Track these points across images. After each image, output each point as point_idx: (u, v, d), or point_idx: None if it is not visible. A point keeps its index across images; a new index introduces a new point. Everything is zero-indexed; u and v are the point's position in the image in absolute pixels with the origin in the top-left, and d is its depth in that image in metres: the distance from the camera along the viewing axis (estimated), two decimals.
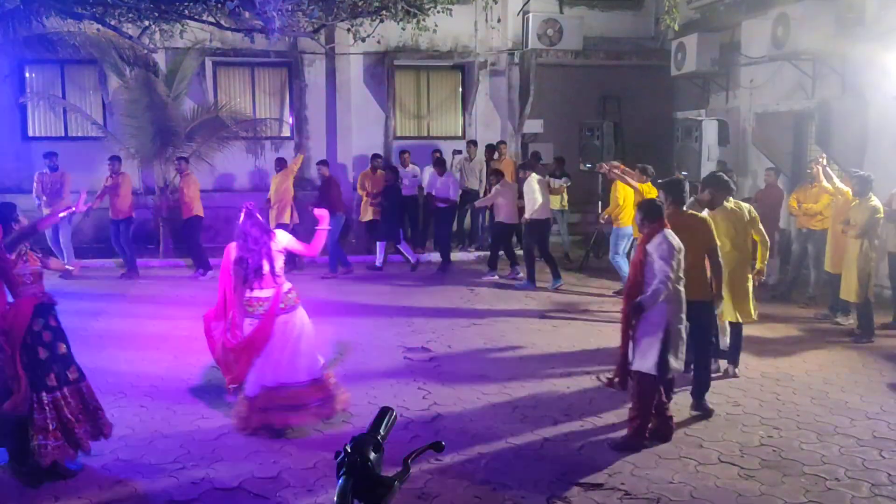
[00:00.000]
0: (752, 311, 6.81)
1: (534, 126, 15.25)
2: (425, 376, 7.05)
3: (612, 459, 5.27)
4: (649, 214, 5.50)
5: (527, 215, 10.95)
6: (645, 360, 5.37)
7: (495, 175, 11.56)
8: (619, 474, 5.04)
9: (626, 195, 9.99)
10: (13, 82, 13.78)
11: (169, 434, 5.67)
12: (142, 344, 7.97)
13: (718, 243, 6.15)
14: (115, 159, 11.67)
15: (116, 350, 7.72)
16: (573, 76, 15.42)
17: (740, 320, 6.82)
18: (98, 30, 11.61)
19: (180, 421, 5.94)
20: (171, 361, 7.40)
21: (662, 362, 5.32)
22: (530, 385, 6.86)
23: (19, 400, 4.76)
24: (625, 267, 9.61)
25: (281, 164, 12.12)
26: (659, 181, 7.42)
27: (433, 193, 12.67)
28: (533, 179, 10.89)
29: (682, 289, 5.47)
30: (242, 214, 5.63)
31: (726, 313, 6.72)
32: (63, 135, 14.24)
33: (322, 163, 12.36)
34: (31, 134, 14.21)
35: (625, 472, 5.09)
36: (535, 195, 10.80)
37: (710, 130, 11.08)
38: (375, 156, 13.28)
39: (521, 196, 11.11)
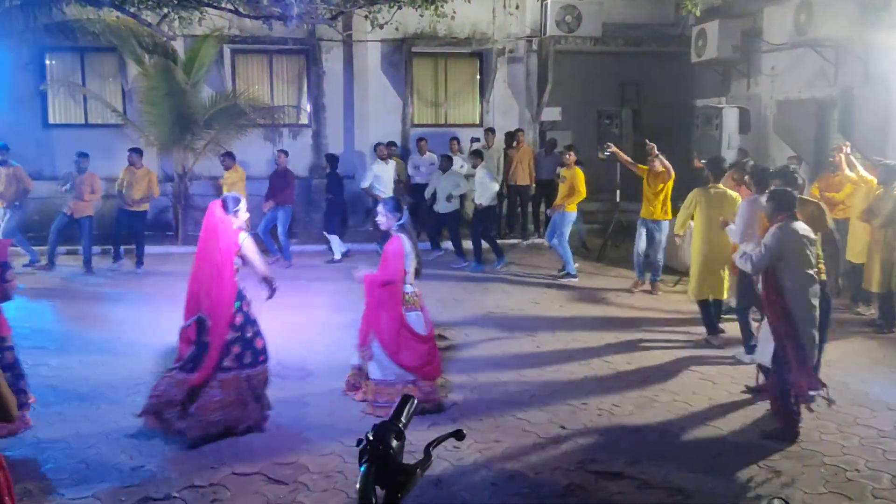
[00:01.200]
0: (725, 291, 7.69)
1: (552, 114, 15.18)
2: (444, 364, 7.04)
3: (631, 449, 5.26)
4: (780, 204, 5.57)
5: (477, 201, 11.69)
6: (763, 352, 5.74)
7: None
8: (638, 464, 5.03)
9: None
10: (34, 70, 13.88)
11: None
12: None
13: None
14: (135, 151, 11.70)
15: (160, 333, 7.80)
16: (592, 63, 15.30)
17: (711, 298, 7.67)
18: (118, 17, 11.65)
19: None
20: None
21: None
22: (548, 374, 6.87)
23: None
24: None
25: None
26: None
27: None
28: (481, 170, 11.57)
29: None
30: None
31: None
32: (83, 122, 14.34)
33: (282, 151, 12.34)
34: (51, 121, 14.31)
35: (643, 461, 5.08)
36: (487, 183, 11.51)
37: (730, 118, 10.98)
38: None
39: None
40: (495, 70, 15.00)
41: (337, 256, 12.20)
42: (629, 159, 10.45)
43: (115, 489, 4.64)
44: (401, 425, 1.82)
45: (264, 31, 11.70)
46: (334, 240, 12.26)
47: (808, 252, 5.42)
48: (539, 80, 15.01)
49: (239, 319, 5.43)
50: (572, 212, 10.85)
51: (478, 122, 15.37)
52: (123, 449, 5.15)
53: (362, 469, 1.73)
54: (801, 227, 5.50)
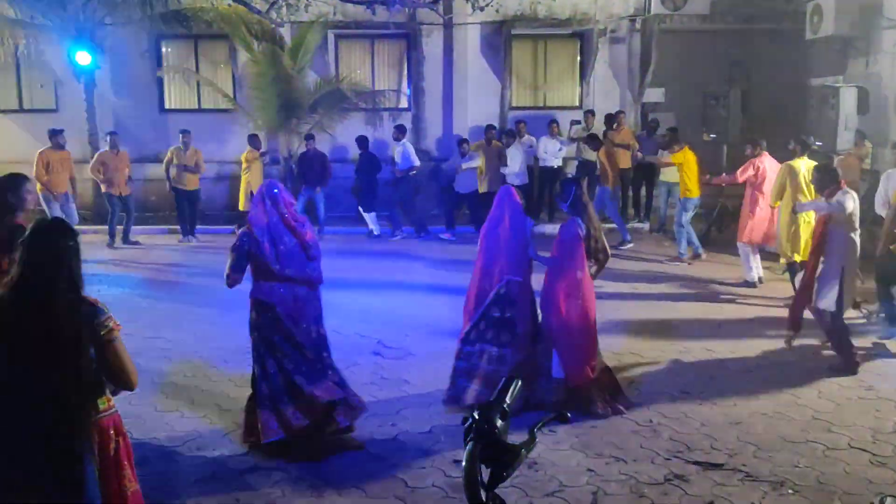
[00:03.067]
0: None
1: (654, 95, 14.80)
2: None
3: (733, 439, 5.13)
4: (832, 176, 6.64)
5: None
6: (827, 300, 6.39)
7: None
8: (741, 455, 4.91)
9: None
10: (150, 57, 14.60)
11: None
12: None
13: None
14: (254, 137, 12.21)
15: None
16: (698, 42, 14.80)
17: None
18: (229, 5, 12.13)
19: None
20: None
21: (840, 300, 6.35)
22: (647, 360, 6.76)
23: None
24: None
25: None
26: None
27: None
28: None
29: (857, 238, 6.49)
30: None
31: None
32: (196, 107, 15.00)
33: (310, 136, 12.60)
34: (166, 106, 15.04)
35: (746, 453, 4.94)
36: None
37: (847, 98, 10.41)
38: (489, 127, 13.26)
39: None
40: (596, 51, 14.73)
41: (376, 232, 12.74)
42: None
43: (226, 457, 4.89)
44: (505, 405, 1.85)
45: (367, 16, 11.91)
46: (371, 217, 12.66)
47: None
48: (642, 60, 14.65)
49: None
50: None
51: (577, 104, 15.16)
52: (234, 419, 5.40)
53: (468, 447, 1.77)
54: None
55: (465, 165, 12.62)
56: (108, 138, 11.90)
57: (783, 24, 14.18)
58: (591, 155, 13.42)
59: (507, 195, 5.75)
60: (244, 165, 12.34)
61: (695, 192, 10.65)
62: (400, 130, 12.93)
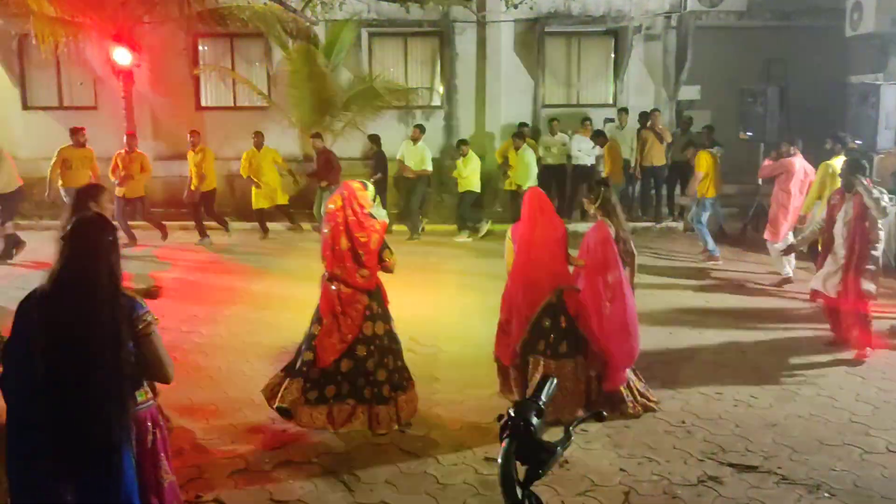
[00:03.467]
0: None
1: (690, 92, 14.64)
2: None
3: (769, 442, 5.06)
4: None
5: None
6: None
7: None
8: (776, 457, 4.84)
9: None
10: (188, 55, 14.79)
11: None
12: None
13: None
14: (318, 136, 12.41)
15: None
16: (735, 39, 14.60)
17: None
18: (265, 3, 12.25)
19: None
20: None
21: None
22: (679, 361, 6.69)
23: None
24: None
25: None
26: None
27: None
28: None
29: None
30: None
31: None
32: (232, 105, 15.17)
33: (317, 135, 12.47)
34: (203, 104, 15.23)
35: (782, 455, 4.88)
36: None
37: (889, 96, 10.18)
38: (521, 125, 13.23)
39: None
40: (631, 48, 14.61)
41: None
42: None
43: (259, 451, 4.95)
44: (541, 403, 1.85)
45: (401, 13, 11.94)
46: (382, 213, 12.53)
47: None
48: (677, 57, 14.51)
49: None
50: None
51: (611, 101, 15.06)
52: (268, 414, 5.46)
53: (503, 444, 1.78)
54: None
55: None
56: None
57: (822, 20, 13.93)
58: (624, 152, 13.35)
59: (536, 197, 5.67)
60: None
61: (711, 192, 10.62)
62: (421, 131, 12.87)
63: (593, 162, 13.52)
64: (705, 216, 10.74)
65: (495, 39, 14.68)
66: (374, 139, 12.74)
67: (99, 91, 14.82)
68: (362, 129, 13.56)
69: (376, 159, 12.70)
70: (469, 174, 12.42)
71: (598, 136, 12.59)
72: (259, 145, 12.28)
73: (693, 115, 13.71)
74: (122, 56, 12.69)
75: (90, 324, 2.84)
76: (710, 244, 10.65)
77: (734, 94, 12.79)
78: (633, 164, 13.36)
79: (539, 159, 13.48)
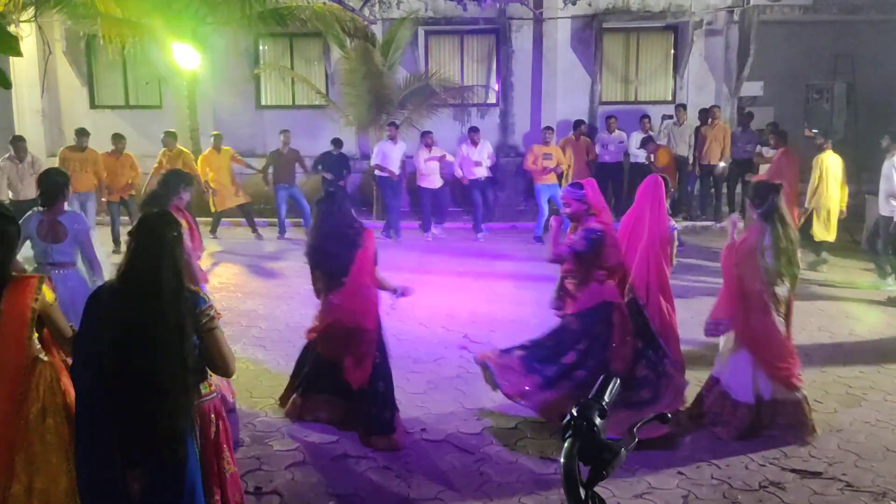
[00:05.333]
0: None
1: (752, 89, 14.30)
2: None
3: (833, 448, 4.92)
4: None
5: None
6: None
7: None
8: (841, 464, 4.71)
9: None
10: (248, 55, 15.07)
11: None
12: None
13: None
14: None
15: None
16: (800, 33, 14.21)
17: None
18: (324, 3, 12.38)
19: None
20: None
21: None
22: None
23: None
24: None
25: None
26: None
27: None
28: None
29: None
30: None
31: None
32: (291, 104, 15.40)
33: (285, 131, 12.43)
34: (263, 103, 15.51)
35: (847, 462, 4.74)
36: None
37: None
38: (578, 122, 13.11)
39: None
40: (691, 44, 14.34)
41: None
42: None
43: (316, 444, 5.02)
44: (604, 403, 1.84)
45: (457, 11, 11.94)
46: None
47: None
48: (739, 53, 14.17)
49: None
50: None
51: (670, 98, 14.81)
52: None
53: (566, 444, 1.77)
54: None
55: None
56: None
57: (892, 14, 13.45)
58: (682, 149, 13.12)
59: (654, 185, 5.31)
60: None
61: None
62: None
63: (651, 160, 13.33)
64: None
65: (552, 36, 14.57)
66: (336, 142, 12.62)
67: (164, 90, 15.21)
68: (418, 127, 13.61)
69: (333, 161, 12.58)
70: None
71: (648, 143, 12.29)
72: (218, 147, 12.17)
73: (754, 112, 13.39)
74: (186, 56, 12.98)
75: (155, 318, 2.91)
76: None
77: (799, 90, 12.47)
78: (690, 162, 13.12)
79: (596, 156, 13.37)
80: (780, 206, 5.01)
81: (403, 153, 12.66)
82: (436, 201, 12.44)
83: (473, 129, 12.62)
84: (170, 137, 11.79)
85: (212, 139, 12.34)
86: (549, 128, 12.64)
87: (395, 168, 12.35)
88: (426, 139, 12.28)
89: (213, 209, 12.36)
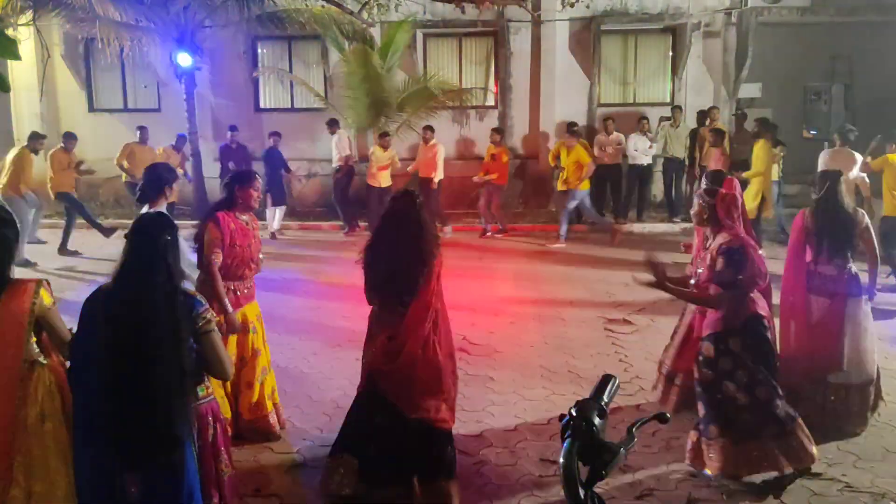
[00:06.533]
0: None
1: (751, 90, 14.33)
2: (627, 349, 6.95)
3: (833, 449, 4.92)
4: None
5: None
6: None
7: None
8: (840, 465, 4.70)
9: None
10: (247, 58, 15.08)
11: None
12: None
13: None
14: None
15: (334, 303, 8.33)
16: (798, 35, 14.24)
17: None
18: (322, 6, 12.39)
19: None
20: None
21: None
22: None
23: None
24: None
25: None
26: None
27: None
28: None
29: None
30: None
31: None
32: (290, 106, 15.41)
33: (233, 128, 12.52)
34: (261, 106, 15.52)
35: (846, 462, 4.74)
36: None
37: None
38: (571, 124, 13.10)
39: None
40: (689, 46, 14.37)
41: (276, 227, 12.77)
42: None
43: (315, 447, 5.01)
44: (603, 403, 1.84)
45: (456, 14, 11.95)
46: (281, 211, 12.80)
47: None
48: (737, 54, 14.20)
49: None
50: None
51: (668, 100, 14.84)
52: (322, 409, 5.55)
53: (565, 445, 1.76)
54: None
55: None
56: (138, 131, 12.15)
57: (890, 16, 13.48)
58: (678, 151, 13.15)
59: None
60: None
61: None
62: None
63: (649, 161, 13.35)
64: None
65: (550, 38, 14.59)
66: (274, 133, 12.82)
67: (162, 93, 15.22)
68: (416, 129, 13.62)
69: (270, 156, 12.75)
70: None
71: (571, 132, 12.21)
72: (145, 140, 12.15)
73: (749, 113, 13.40)
74: (185, 59, 13.00)
75: (148, 320, 2.88)
76: None
77: (797, 91, 12.50)
78: (687, 164, 13.14)
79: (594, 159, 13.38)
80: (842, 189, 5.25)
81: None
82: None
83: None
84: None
85: (137, 132, 12.20)
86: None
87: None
88: (383, 141, 12.48)
89: None
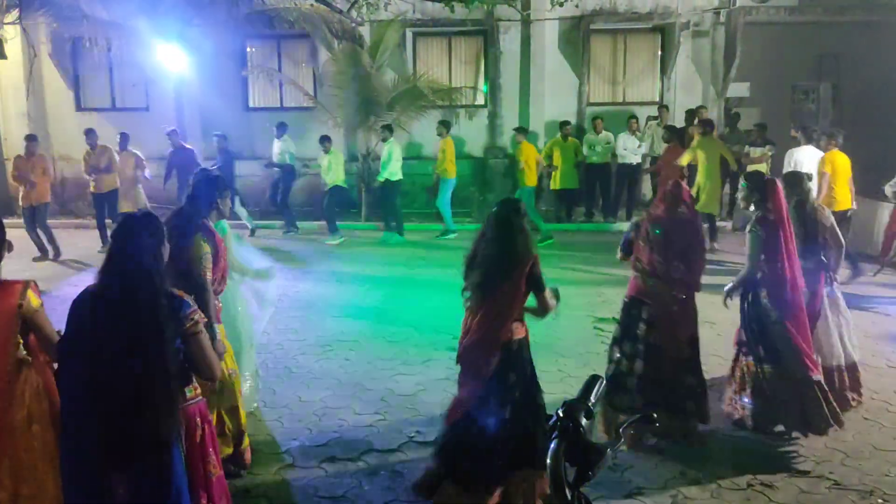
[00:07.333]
0: None
1: (739, 90, 14.39)
2: None
3: (821, 446, 4.94)
4: None
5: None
6: None
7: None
8: (828, 462, 4.73)
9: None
10: (236, 57, 15.02)
11: (371, 387, 6.04)
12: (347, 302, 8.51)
13: None
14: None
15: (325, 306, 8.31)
16: (786, 35, 14.31)
17: None
18: (311, 5, 12.36)
19: (380, 375, 6.30)
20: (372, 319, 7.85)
21: None
22: (726, 365, 6.55)
23: None
24: None
25: None
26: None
27: None
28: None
29: None
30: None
31: None
32: (279, 105, 15.37)
33: (174, 131, 12.25)
34: (251, 105, 15.46)
35: (834, 461, 4.76)
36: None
37: None
38: (564, 123, 13.15)
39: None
40: (678, 45, 14.42)
41: (251, 225, 12.84)
42: None
43: (304, 447, 5.00)
44: (590, 404, 1.84)
45: (445, 13, 11.93)
46: (243, 212, 12.78)
47: None
48: (726, 54, 14.26)
49: None
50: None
51: (658, 99, 14.90)
52: (315, 412, 5.54)
53: (552, 445, 1.77)
54: None
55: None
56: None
57: (877, 15, 13.56)
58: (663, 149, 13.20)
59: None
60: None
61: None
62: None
63: (639, 160, 13.39)
64: None
65: (540, 37, 14.61)
66: (221, 138, 12.64)
67: (150, 92, 15.14)
68: (406, 128, 13.61)
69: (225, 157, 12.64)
70: (335, 170, 12.50)
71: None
72: (124, 146, 11.58)
73: (741, 112, 13.47)
74: (173, 58, 12.93)
75: (133, 321, 2.86)
76: None
77: (785, 90, 12.56)
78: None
79: (584, 158, 13.42)
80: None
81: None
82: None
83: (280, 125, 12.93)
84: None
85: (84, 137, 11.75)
86: (633, 116, 13.42)
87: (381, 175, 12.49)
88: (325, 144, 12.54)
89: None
